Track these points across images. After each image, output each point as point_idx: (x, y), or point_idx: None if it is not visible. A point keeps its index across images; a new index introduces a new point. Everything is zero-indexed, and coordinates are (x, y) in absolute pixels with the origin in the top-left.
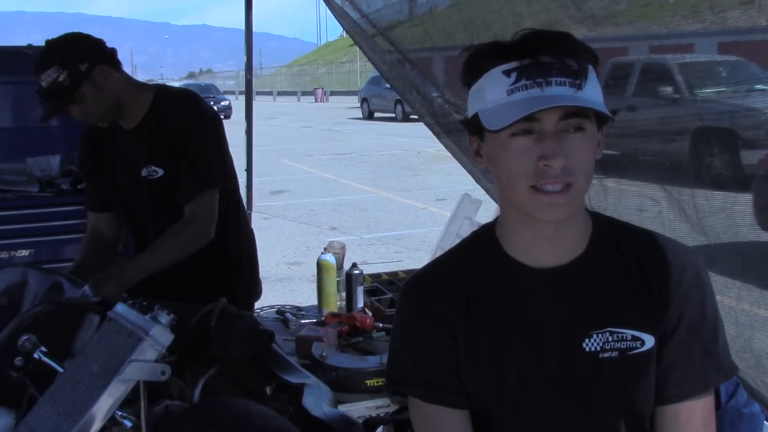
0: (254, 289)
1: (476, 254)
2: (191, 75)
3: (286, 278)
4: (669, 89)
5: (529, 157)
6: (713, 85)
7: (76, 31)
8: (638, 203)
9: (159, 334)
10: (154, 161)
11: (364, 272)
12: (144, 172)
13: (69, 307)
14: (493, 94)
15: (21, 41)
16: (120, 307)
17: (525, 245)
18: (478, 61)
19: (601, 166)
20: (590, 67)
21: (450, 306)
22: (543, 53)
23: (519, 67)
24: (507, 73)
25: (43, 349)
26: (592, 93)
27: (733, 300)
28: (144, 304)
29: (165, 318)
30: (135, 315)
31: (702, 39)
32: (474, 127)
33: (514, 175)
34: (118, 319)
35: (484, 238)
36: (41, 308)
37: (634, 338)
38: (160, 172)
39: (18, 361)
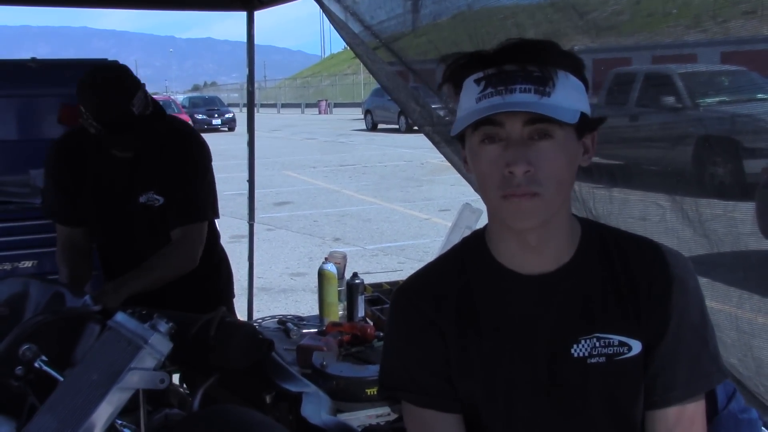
0: (231, 287)
1: (466, 260)
2: (196, 88)
3: (290, 289)
4: (671, 99)
5: (496, 164)
6: (715, 94)
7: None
8: (642, 209)
9: (158, 343)
10: (155, 189)
11: (367, 282)
12: (142, 199)
13: (70, 316)
14: (466, 102)
15: (26, 55)
16: (120, 316)
17: (511, 252)
18: (456, 72)
19: (608, 174)
20: (562, 74)
21: (440, 311)
22: (509, 62)
23: (485, 76)
24: (477, 82)
25: (44, 358)
26: (562, 100)
27: (733, 307)
28: (143, 313)
29: (164, 326)
30: (134, 324)
31: (704, 49)
32: (457, 135)
33: (486, 183)
34: (118, 328)
35: (474, 245)
36: (42, 318)
37: (621, 344)
38: (161, 200)
39: (19, 370)
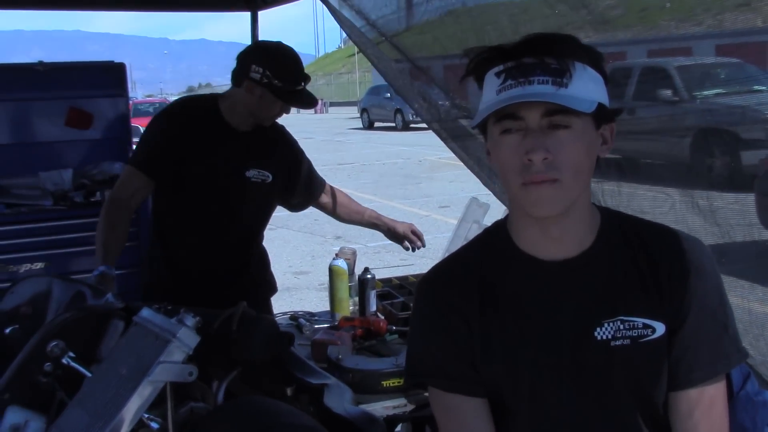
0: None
1: (489, 249)
2: (190, 89)
3: (294, 287)
4: (668, 92)
5: (516, 153)
6: (712, 86)
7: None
8: (651, 199)
9: (186, 336)
10: (263, 165)
11: (379, 277)
12: (250, 174)
13: (95, 313)
14: (487, 95)
15: (21, 59)
16: (146, 312)
17: (533, 240)
18: (478, 65)
19: (615, 166)
20: (580, 66)
21: (464, 298)
22: (527, 54)
23: (505, 69)
24: (498, 75)
25: (72, 354)
26: (579, 91)
27: (743, 298)
28: (169, 308)
29: (191, 321)
30: (161, 319)
31: (699, 42)
32: (480, 128)
33: (507, 172)
34: (144, 324)
35: (496, 234)
36: (69, 315)
37: (645, 326)
38: (270, 177)
39: (47, 366)
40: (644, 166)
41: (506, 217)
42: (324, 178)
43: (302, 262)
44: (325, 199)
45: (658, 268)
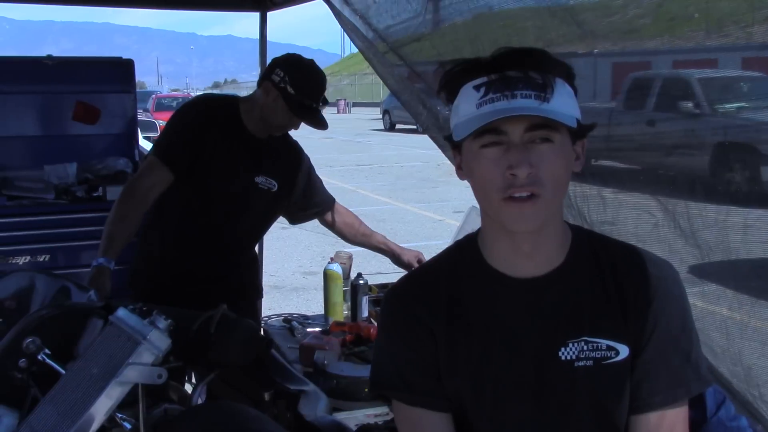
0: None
1: (458, 263)
2: (216, 85)
3: (302, 288)
4: (689, 104)
5: (498, 167)
6: (734, 100)
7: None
8: (635, 218)
9: (156, 339)
10: (271, 174)
11: (377, 282)
12: (258, 180)
13: (73, 311)
14: (465, 108)
15: (50, 50)
16: (121, 312)
17: (504, 256)
18: (454, 78)
19: (600, 180)
20: (559, 81)
21: (431, 311)
22: (510, 68)
23: (487, 82)
24: (477, 88)
25: (47, 351)
26: (560, 105)
27: (725, 310)
28: (144, 309)
29: (163, 323)
30: (134, 320)
31: (725, 54)
32: (452, 141)
33: (487, 186)
34: (119, 324)
35: (467, 248)
36: (46, 312)
37: (609, 348)
38: (276, 186)
39: (22, 362)
40: (653, 178)
41: (478, 231)
42: (340, 180)
43: (312, 262)
44: (331, 218)
45: (625, 291)
